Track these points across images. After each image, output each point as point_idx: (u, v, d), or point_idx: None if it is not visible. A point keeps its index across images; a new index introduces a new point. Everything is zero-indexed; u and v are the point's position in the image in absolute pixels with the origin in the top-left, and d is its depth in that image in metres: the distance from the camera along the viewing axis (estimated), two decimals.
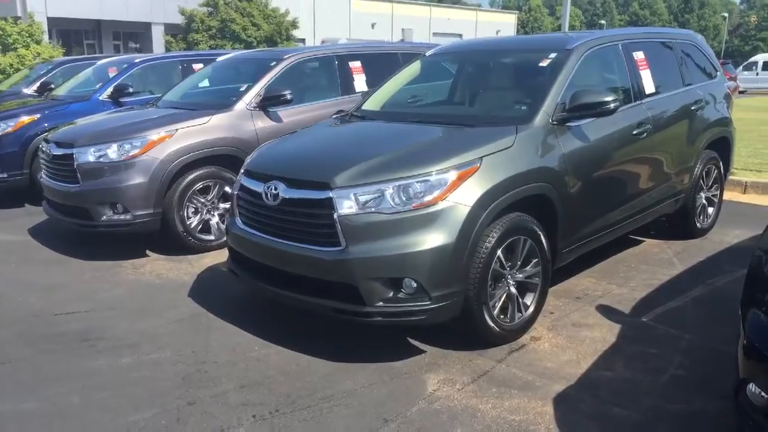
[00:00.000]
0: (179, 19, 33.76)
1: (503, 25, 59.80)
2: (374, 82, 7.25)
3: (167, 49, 30.79)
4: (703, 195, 6.09)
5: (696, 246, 5.94)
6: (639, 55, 5.30)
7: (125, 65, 8.88)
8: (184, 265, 5.76)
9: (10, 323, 4.56)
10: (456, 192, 3.67)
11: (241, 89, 6.54)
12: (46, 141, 6.35)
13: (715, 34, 76.98)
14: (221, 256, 5.95)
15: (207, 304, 4.82)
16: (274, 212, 3.97)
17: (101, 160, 5.72)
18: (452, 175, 3.70)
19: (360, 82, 7.24)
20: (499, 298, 3.96)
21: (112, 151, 5.71)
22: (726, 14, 79.00)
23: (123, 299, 4.98)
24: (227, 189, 6.12)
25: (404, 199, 3.65)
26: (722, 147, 6.29)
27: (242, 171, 4.40)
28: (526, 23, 75.45)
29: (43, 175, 6.38)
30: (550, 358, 3.87)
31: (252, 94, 6.39)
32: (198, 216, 6.02)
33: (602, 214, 4.75)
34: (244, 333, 4.30)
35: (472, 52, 5.59)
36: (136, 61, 8.96)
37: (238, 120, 6.24)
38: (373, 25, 48.88)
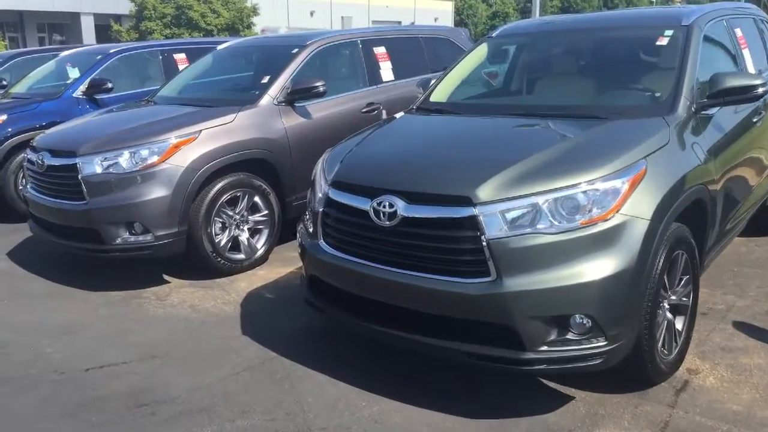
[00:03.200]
0: (114, 9, 31.86)
1: (441, 12, 59.32)
2: (400, 70, 6.49)
3: (114, 40, 28.55)
4: None
5: None
6: (739, 33, 4.69)
7: (99, 56, 7.73)
8: (217, 291, 4.84)
9: (31, 385, 3.57)
10: (629, 203, 2.95)
11: (263, 81, 5.61)
12: (33, 149, 5.27)
13: None
14: (256, 278, 5.07)
15: (271, 343, 3.95)
16: (388, 235, 3.14)
17: (111, 170, 4.72)
18: (622, 182, 2.97)
19: (386, 70, 6.41)
20: (663, 328, 3.27)
21: (125, 160, 4.71)
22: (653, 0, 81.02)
23: (163, 343, 4.04)
24: (257, 199, 5.23)
25: (566, 214, 2.91)
26: None
27: (328, 182, 3.53)
28: (461, 11, 75.28)
29: (30, 190, 5.30)
30: (729, 398, 3.20)
31: (278, 87, 5.46)
32: (227, 232, 5.09)
33: (735, 214, 4.13)
34: (337, 383, 3.47)
35: (556, 33, 4.78)
36: (111, 51, 7.81)
37: (266, 117, 5.32)
38: (312, 13, 47.53)
